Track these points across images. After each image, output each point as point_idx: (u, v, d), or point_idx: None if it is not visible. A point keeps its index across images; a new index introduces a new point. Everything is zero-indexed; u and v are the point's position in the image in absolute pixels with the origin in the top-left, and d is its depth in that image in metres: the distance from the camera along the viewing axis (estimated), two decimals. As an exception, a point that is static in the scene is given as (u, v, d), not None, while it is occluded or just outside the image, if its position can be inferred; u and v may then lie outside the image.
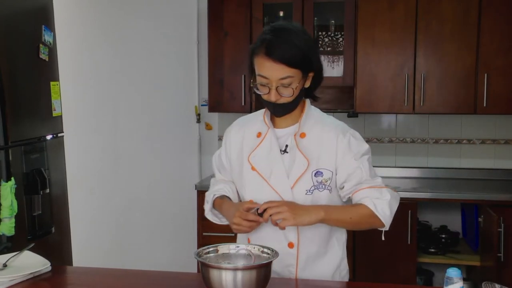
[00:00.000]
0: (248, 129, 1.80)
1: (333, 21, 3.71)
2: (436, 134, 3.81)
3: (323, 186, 1.70)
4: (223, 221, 1.86)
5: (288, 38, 1.60)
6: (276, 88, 1.62)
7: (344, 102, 3.80)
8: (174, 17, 3.94)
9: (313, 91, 1.76)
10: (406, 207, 3.29)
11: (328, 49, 3.72)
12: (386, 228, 1.71)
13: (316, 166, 1.69)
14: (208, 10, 3.68)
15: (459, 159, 3.80)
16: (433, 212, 3.76)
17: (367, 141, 3.82)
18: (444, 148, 3.81)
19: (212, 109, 3.74)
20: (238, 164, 1.80)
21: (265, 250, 1.58)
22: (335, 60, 3.71)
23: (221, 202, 1.81)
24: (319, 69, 1.71)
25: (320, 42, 3.71)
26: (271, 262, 1.49)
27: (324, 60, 3.71)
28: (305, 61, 1.63)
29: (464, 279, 1.78)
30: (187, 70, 3.98)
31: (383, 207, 1.67)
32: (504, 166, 3.74)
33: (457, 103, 3.41)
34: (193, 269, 3.48)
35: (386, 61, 3.45)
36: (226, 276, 1.42)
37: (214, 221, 1.89)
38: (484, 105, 3.35)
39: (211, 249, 1.60)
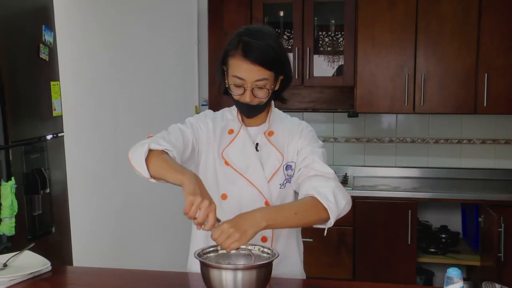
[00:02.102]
0: (218, 125, 1.83)
1: (333, 21, 3.71)
2: (436, 134, 3.81)
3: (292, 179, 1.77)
4: (141, 173, 1.57)
5: (264, 41, 1.63)
6: (252, 90, 1.65)
7: (344, 102, 3.80)
8: (174, 17, 3.93)
9: (281, 93, 1.79)
10: (406, 207, 3.29)
11: (328, 49, 3.72)
12: (331, 218, 1.55)
13: (286, 161, 1.76)
14: (208, 10, 3.68)
15: (459, 159, 3.80)
16: (433, 212, 3.76)
17: (367, 141, 3.91)
18: (444, 148, 3.81)
19: (212, 109, 3.72)
20: (204, 157, 1.78)
21: (265, 250, 1.58)
22: (335, 60, 3.72)
23: (182, 167, 1.55)
24: (289, 73, 1.75)
25: (320, 42, 3.71)
26: (271, 262, 1.49)
27: (324, 60, 3.72)
28: (279, 64, 1.67)
29: (464, 279, 1.78)
30: (187, 70, 3.97)
31: (325, 192, 1.57)
32: (504, 166, 3.74)
33: (457, 103, 3.41)
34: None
35: (386, 61, 3.45)
36: (226, 276, 1.42)
37: (137, 165, 1.56)
38: (484, 105, 3.35)
39: (211, 249, 1.60)
